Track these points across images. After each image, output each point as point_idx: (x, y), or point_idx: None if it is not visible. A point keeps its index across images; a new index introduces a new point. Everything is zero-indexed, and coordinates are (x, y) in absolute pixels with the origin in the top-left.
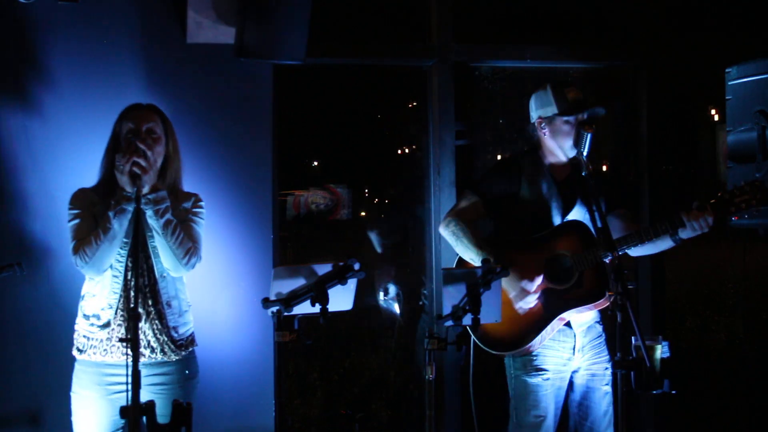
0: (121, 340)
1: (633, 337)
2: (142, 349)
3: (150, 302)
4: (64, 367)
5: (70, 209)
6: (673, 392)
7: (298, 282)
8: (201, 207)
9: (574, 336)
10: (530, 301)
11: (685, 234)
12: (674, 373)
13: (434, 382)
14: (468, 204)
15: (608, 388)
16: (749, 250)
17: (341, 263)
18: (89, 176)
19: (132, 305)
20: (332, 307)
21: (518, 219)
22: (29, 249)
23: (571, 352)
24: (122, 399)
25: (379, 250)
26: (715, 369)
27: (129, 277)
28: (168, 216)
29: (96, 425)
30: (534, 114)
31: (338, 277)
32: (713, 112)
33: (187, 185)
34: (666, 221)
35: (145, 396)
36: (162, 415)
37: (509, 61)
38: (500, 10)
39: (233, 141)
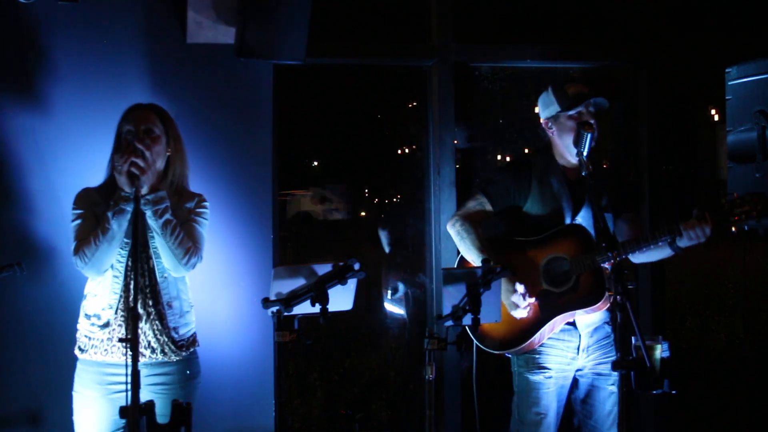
0: (120, 340)
1: (633, 337)
2: (142, 350)
3: (150, 303)
4: (65, 366)
5: (73, 209)
6: (673, 392)
7: (298, 282)
8: (204, 207)
9: (579, 336)
10: (521, 314)
11: (683, 243)
12: (674, 373)
13: (434, 382)
14: (475, 204)
15: (614, 389)
16: (749, 250)
17: (341, 263)
18: (91, 176)
19: (132, 305)
20: (332, 307)
21: (528, 220)
22: (32, 249)
23: (575, 352)
24: (123, 399)
25: (387, 250)
26: (715, 369)
27: (129, 278)
28: (167, 216)
29: (97, 425)
30: (542, 116)
31: (338, 277)
32: (713, 112)
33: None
34: (664, 229)
35: (146, 396)
36: (163, 415)
37: (509, 61)
38: (500, 10)
39: (233, 141)
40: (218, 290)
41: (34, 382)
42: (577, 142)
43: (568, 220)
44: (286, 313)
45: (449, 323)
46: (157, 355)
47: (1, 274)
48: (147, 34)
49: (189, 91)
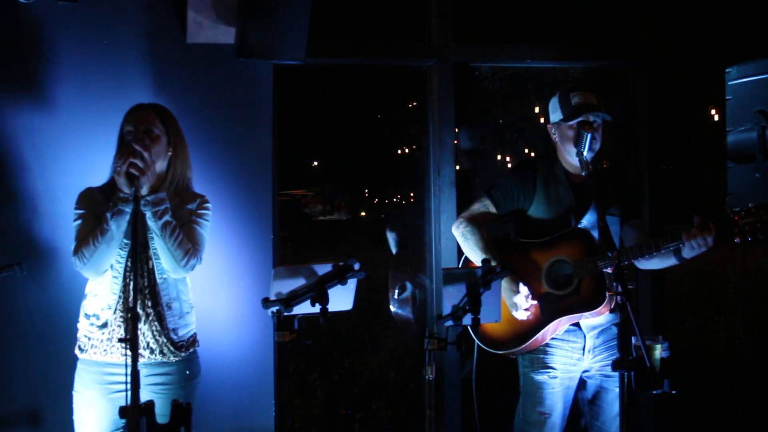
0: (120, 340)
1: (633, 337)
2: (141, 350)
3: (149, 304)
4: (66, 366)
5: (75, 209)
6: (673, 392)
7: (298, 282)
8: (206, 209)
9: (585, 337)
10: (522, 315)
11: (686, 253)
12: (674, 373)
13: (434, 382)
14: (480, 207)
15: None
16: (749, 250)
17: (341, 263)
18: (92, 176)
19: (130, 306)
20: (332, 307)
21: (533, 223)
22: (33, 249)
23: (581, 353)
24: (123, 398)
25: (394, 251)
26: (715, 369)
27: (129, 279)
28: (166, 218)
29: (97, 424)
30: (550, 120)
31: (338, 277)
32: (713, 112)
33: None
34: (667, 238)
35: (146, 396)
36: (162, 415)
37: (509, 61)
38: (500, 10)
39: (233, 141)
40: (218, 290)
41: (35, 382)
42: (577, 142)
43: (573, 224)
44: (286, 313)
45: (449, 323)
46: (156, 355)
47: (1, 274)
48: (147, 34)
49: (189, 91)
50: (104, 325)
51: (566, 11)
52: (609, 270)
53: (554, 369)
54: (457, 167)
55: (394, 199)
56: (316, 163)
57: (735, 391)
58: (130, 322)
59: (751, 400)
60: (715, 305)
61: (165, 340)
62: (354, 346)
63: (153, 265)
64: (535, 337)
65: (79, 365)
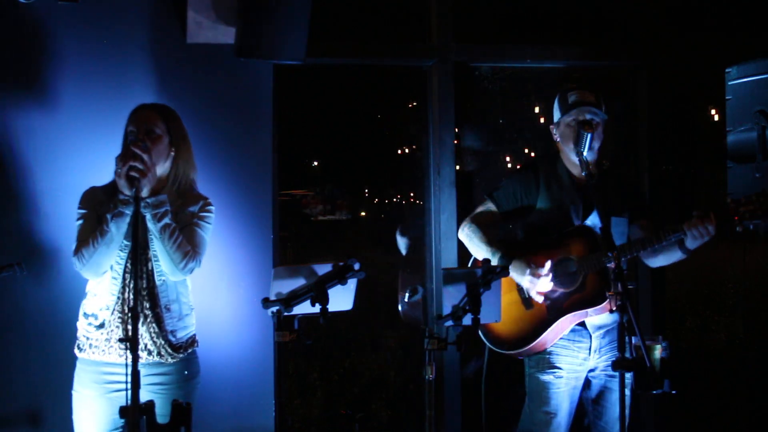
0: (120, 340)
1: (633, 337)
2: (139, 351)
3: (148, 305)
4: (66, 366)
5: (78, 209)
6: (673, 392)
7: (298, 282)
8: (209, 211)
9: (590, 337)
10: (546, 285)
11: (689, 243)
12: (674, 373)
13: (434, 382)
14: (484, 210)
15: (626, 392)
16: (749, 250)
17: (341, 263)
18: (92, 176)
19: (130, 306)
20: (332, 307)
21: (537, 223)
22: (33, 249)
23: (587, 353)
24: (121, 398)
25: (404, 252)
26: (715, 369)
27: (128, 280)
28: (166, 220)
29: (96, 423)
30: (553, 120)
31: (338, 277)
32: (713, 112)
33: None
34: (670, 229)
35: (144, 396)
36: (161, 415)
37: (509, 61)
38: (500, 10)
39: (233, 141)
40: (218, 290)
41: (35, 382)
42: (577, 142)
43: (577, 223)
44: (286, 313)
45: (449, 323)
46: (153, 357)
47: (1, 274)
48: (147, 34)
49: (189, 91)
50: (101, 326)
51: (566, 11)
52: (613, 265)
53: (560, 369)
54: (457, 167)
55: (394, 199)
56: (316, 163)
57: (735, 391)
58: (131, 322)
59: (751, 400)
60: (715, 305)
61: (163, 342)
62: (354, 346)
63: (152, 267)
64: (543, 335)
65: (78, 364)
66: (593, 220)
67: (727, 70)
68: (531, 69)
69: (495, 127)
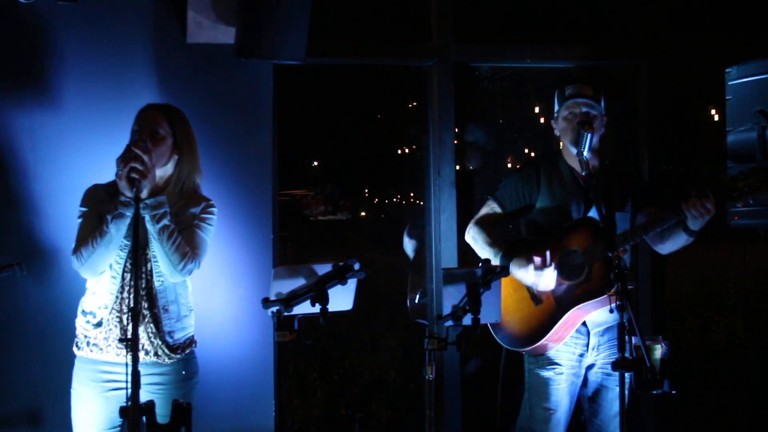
0: (121, 340)
1: (633, 337)
2: None
3: (146, 306)
4: (66, 365)
5: (80, 207)
6: (673, 392)
7: (298, 282)
8: (210, 213)
9: (588, 334)
10: (550, 278)
11: (691, 224)
12: (674, 373)
13: (434, 382)
14: (487, 210)
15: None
16: (749, 250)
17: (341, 263)
18: (92, 176)
19: (129, 306)
20: (332, 307)
21: (539, 220)
22: (34, 248)
23: (585, 349)
24: (119, 396)
25: (411, 255)
26: (715, 369)
27: (127, 279)
28: (165, 222)
29: (94, 422)
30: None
31: (338, 277)
32: (713, 112)
33: None
34: (668, 211)
35: (142, 396)
36: (159, 415)
37: (509, 61)
38: (500, 10)
39: (233, 141)
40: (218, 290)
41: (35, 382)
42: (577, 142)
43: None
44: (286, 313)
45: (449, 323)
46: (150, 357)
47: (1, 274)
48: (147, 34)
49: (189, 91)
50: (99, 324)
51: (566, 11)
52: (620, 251)
53: (559, 365)
54: (457, 167)
55: (394, 199)
56: (316, 163)
57: (735, 391)
58: (131, 321)
59: (751, 400)
60: (715, 305)
61: (160, 342)
62: (354, 346)
63: (151, 267)
64: (554, 329)
65: (77, 362)
66: (594, 215)
67: (727, 70)
68: (531, 69)
69: (495, 127)
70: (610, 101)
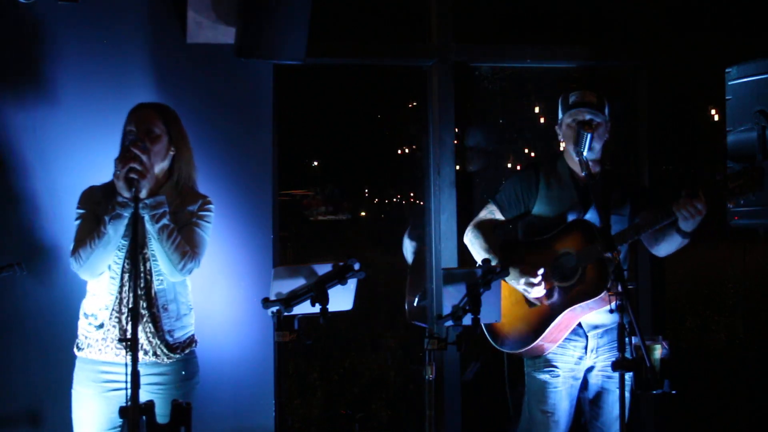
0: (120, 340)
1: (633, 337)
2: None
3: (144, 305)
4: (66, 365)
5: (77, 208)
6: (673, 392)
7: (298, 282)
8: (208, 210)
9: (586, 337)
10: (540, 291)
11: (683, 225)
12: (674, 373)
13: (434, 382)
14: (486, 213)
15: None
16: (749, 250)
17: (341, 263)
18: (93, 175)
19: (129, 306)
20: (332, 307)
21: (538, 222)
22: (34, 248)
23: (583, 351)
24: (119, 397)
25: (410, 258)
26: (715, 369)
27: (125, 279)
28: (164, 221)
29: (94, 422)
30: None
31: (338, 277)
32: (713, 112)
33: None
34: (660, 211)
35: (142, 396)
36: (159, 415)
37: (509, 61)
38: (500, 10)
39: (233, 141)
40: (218, 290)
41: (35, 382)
42: (577, 142)
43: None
44: (286, 313)
45: (449, 323)
46: (149, 357)
47: (1, 274)
48: (147, 34)
49: (189, 91)
50: (101, 326)
51: (566, 11)
52: (611, 255)
53: (557, 368)
54: (457, 167)
55: (394, 199)
56: (316, 163)
57: (735, 391)
58: (131, 321)
59: (751, 400)
60: (715, 305)
61: (159, 342)
62: (354, 346)
63: (150, 267)
64: (547, 331)
65: (77, 363)
66: (592, 217)
67: (727, 70)
68: (531, 69)
69: (495, 127)
70: (611, 104)
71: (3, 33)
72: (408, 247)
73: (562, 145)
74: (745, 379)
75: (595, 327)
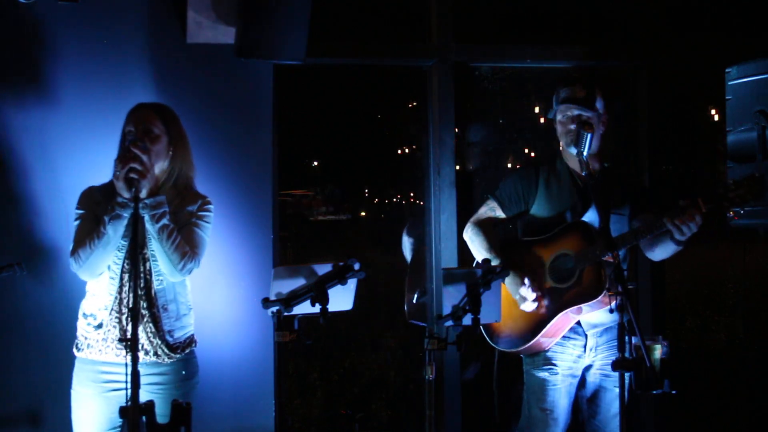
0: (120, 340)
1: (633, 337)
2: None
3: (145, 305)
4: (66, 366)
5: (76, 209)
6: (673, 392)
7: (298, 282)
8: (208, 210)
9: (585, 335)
10: (531, 306)
11: (678, 235)
12: (674, 373)
13: (434, 382)
14: (486, 210)
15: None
16: (749, 250)
17: (341, 263)
18: (93, 175)
19: (129, 306)
20: (332, 307)
21: (537, 221)
22: (34, 248)
23: (582, 350)
24: (119, 397)
25: (408, 256)
26: (715, 369)
27: (125, 280)
28: (164, 221)
29: (94, 422)
30: None
31: (338, 277)
32: (713, 112)
33: None
34: (658, 220)
35: (142, 396)
36: (159, 415)
37: (509, 61)
38: (500, 10)
39: (233, 141)
40: (218, 290)
41: (35, 382)
42: (577, 142)
43: (573, 219)
44: (286, 313)
45: (449, 323)
46: (150, 357)
47: (1, 274)
48: (147, 34)
49: (189, 91)
50: (100, 326)
51: (566, 11)
52: (609, 257)
53: (555, 366)
54: (457, 167)
55: (394, 199)
56: (316, 163)
57: (735, 391)
58: (131, 321)
59: (751, 400)
60: (715, 305)
61: (159, 342)
62: (354, 346)
63: (150, 267)
64: (543, 331)
65: (77, 363)
66: (591, 217)
67: (727, 70)
68: (531, 69)
69: (495, 127)
70: (608, 100)
71: (3, 33)
72: (407, 245)
73: (561, 143)
74: (745, 379)
75: (594, 326)
